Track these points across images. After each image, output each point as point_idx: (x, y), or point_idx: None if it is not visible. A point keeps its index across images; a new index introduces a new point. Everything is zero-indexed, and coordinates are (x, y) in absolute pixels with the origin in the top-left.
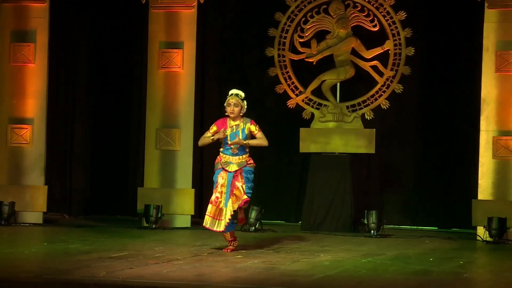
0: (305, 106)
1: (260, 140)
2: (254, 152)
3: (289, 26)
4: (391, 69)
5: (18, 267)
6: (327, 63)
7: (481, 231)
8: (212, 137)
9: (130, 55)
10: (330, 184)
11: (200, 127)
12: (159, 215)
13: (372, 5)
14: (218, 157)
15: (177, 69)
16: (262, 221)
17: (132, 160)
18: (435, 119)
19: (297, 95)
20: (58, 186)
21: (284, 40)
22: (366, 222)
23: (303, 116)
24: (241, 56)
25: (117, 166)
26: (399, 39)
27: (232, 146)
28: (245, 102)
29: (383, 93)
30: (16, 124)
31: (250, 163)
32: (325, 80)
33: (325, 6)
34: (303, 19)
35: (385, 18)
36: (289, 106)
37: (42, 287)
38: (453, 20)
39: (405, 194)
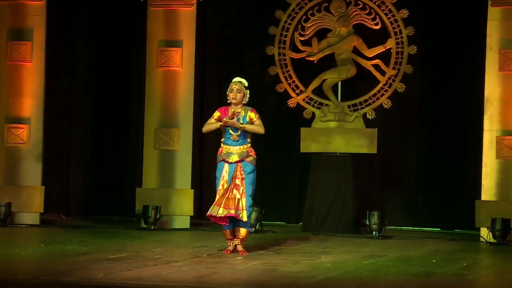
0: (306, 106)
1: (257, 126)
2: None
3: (290, 24)
4: (393, 68)
5: (15, 269)
6: (328, 62)
7: (484, 232)
8: (219, 122)
9: (129, 53)
10: (331, 184)
11: (199, 127)
12: (158, 216)
13: (374, 3)
14: (219, 148)
15: (176, 68)
16: (262, 222)
17: (131, 160)
18: (438, 118)
19: (297, 94)
20: (56, 186)
21: (285, 39)
22: (367, 223)
23: (304, 116)
24: (241, 55)
25: (116, 166)
26: (401, 37)
27: (232, 133)
28: (248, 91)
29: (385, 92)
30: (12, 124)
31: (251, 155)
32: (326, 79)
33: (326, 4)
34: (304, 17)
35: (387, 16)
36: (290, 105)
37: None
38: (456, 18)
39: (408, 194)
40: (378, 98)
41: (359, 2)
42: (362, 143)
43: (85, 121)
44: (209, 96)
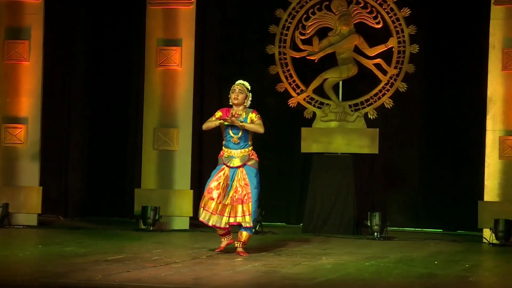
0: (307, 105)
1: (257, 125)
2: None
3: (290, 23)
4: (395, 67)
5: (12, 270)
6: (329, 61)
7: (487, 234)
8: (220, 121)
9: (127, 52)
10: (332, 185)
11: (199, 127)
12: (157, 217)
13: (376, 1)
14: (221, 151)
15: (175, 67)
16: (263, 223)
17: (129, 160)
18: (440, 118)
19: (298, 94)
20: (53, 187)
21: (285, 38)
22: (369, 224)
23: (304, 115)
24: (241, 54)
25: (114, 166)
26: (403, 36)
27: (233, 135)
28: (250, 94)
29: (386, 92)
30: (10, 124)
31: (253, 158)
32: (327, 79)
33: (327, 3)
34: (304, 15)
35: (389, 15)
36: (290, 105)
37: None
38: (458, 17)
39: (409, 195)
40: (379, 98)
41: (360, 0)
42: (363, 143)
43: (83, 121)
44: (209, 95)
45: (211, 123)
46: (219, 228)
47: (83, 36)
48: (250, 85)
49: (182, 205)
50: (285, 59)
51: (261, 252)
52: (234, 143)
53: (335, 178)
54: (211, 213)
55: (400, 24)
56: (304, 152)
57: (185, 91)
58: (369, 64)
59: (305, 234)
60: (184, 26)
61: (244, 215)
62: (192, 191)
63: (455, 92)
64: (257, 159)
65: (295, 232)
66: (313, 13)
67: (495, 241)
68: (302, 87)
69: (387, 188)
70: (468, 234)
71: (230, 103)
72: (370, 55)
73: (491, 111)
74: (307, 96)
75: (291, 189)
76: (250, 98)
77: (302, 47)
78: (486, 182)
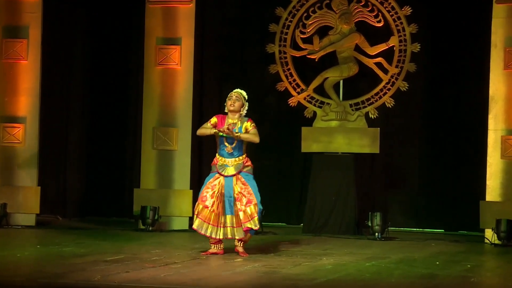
0: (307, 104)
1: (251, 135)
2: (254, 150)
3: (291, 21)
4: (396, 66)
5: (11, 271)
6: (330, 60)
7: (489, 234)
8: (214, 130)
9: (126, 51)
10: (333, 185)
11: (198, 126)
12: (156, 217)
13: (376, 0)
14: (214, 159)
15: (174, 66)
16: (263, 223)
17: (129, 160)
18: (442, 117)
19: (298, 93)
20: (52, 187)
21: (286, 36)
22: (370, 224)
23: (305, 115)
24: (241, 53)
25: (113, 166)
26: (404, 35)
27: (227, 145)
28: (247, 103)
29: (387, 91)
30: (8, 123)
31: (248, 165)
32: (327, 78)
33: (328, 1)
34: (305, 14)
35: (390, 14)
36: (291, 104)
37: None
38: (460, 16)
39: (410, 195)
40: (380, 97)
41: None
42: (364, 142)
43: (82, 120)
44: (208, 95)
45: (206, 130)
46: (214, 239)
47: (82, 35)
48: (250, 84)
49: (181, 205)
50: (286, 58)
51: (261, 253)
52: (228, 152)
53: (336, 178)
54: (206, 221)
55: (401, 23)
56: (305, 152)
57: (185, 90)
58: (370, 63)
59: (305, 235)
60: (184, 24)
61: (253, 217)
62: (191, 191)
63: (456, 91)
64: (252, 166)
65: (296, 233)
66: (314, 12)
67: (497, 242)
68: (303, 86)
69: (388, 188)
70: (470, 234)
71: (226, 110)
72: (371, 54)
73: (493, 110)
74: (308, 95)
75: (291, 189)
76: (246, 107)
77: (302, 46)
78: (488, 182)
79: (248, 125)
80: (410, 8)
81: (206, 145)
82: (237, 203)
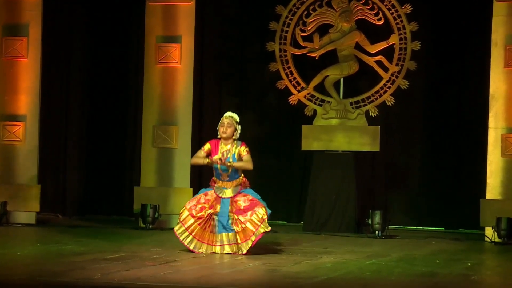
0: (307, 103)
1: (245, 163)
2: (254, 149)
3: (291, 19)
4: (396, 64)
5: (10, 269)
6: (330, 58)
7: (489, 232)
8: (207, 160)
9: (126, 49)
10: (333, 183)
11: (198, 124)
12: (156, 215)
13: None
14: (212, 180)
15: (174, 64)
16: None
17: (128, 158)
18: (442, 115)
19: (299, 91)
20: (52, 185)
21: (286, 34)
22: (370, 222)
23: (305, 113)
24: (241, 51)
25: (113, 164)
26: (405, 33)
27: (222, 173)
28: (239, 126)
29: (388, 89)
30: (8, 121)
31: (245, 184)
32: (328, 76)
33: None
34: (305, 12)
35: (390, 12)
36: (291, 102)
37: None
38: (460, 14)
39: (411, 193)
40: (381, 95)
41: None
42: (364, 141)
43: (82, 119)
44: (209, 93)
45: (199, 159)
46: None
47: (82, 33)
48: (250, 82)
49: (181, 203)
50: (286, 56)
51: (261, 251)
52: (224, 179)
53: (336, 176)
54: (190, 233)
55: (401, 21)
56: (305, 150)
57: (185, 89)
58: (370, 61)
59: (305, 233)
60: (184, 23)
61: (264, 219)
62: (191, 189)
63: (457, 89)
64: (249, 185)
65: (296, 231)
66: (314, 10)
67: (497, 240)
68: (303, 84)
69: (389, 186)
70: (470, 232)
71: (219, 136)
72: (371, 52)
73: (493, 109)
74: (308, 94)
75: (291, 187)
76: (239, 131)
77: (302, 44)
78: (488, 180)
79: (242, 150)
80: (410, 6)
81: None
82: (239, 217)
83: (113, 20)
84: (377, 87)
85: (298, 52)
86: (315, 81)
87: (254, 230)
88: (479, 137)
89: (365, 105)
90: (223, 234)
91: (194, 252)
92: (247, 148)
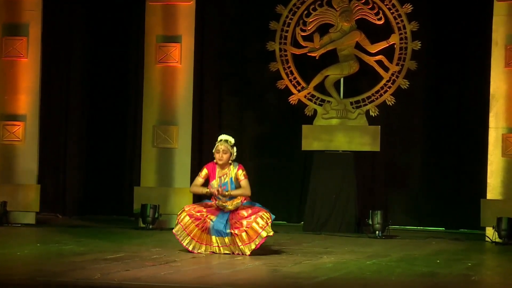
0: (308, 102)
1: (243, 190)
2: (253, 148)
3: (291, 19)
4: (397, 64)
5: (10, 269)
6: (331, 58)
7: (490, 232)
8: (206, 190)
9: (126, 49)
10: (334, 183)
11: (198, 124)
12: (156, 215)
13: None
14: (212, 198)
15: (175, 63)
16: None
17: (128, 158)
18: (442, 115)
19: (299, 91)
20: (52, 185)
21: (286, 34)
22: (370, 222)
23: (305, 113)
24: (241, 50)
25: (113, 164)
26: (405, 32)
27: (220, 197)
28: (234, 148)
29: (388, 89)
30: (8, 121)
31: (246, 200)
32: (328, 75)
33: None
34: (305, 12)
35: (391, 11)
36: (291, 102)
37: None
38: (461, 13)
39: (411, 193)
40: (381, 95)
41: None
42: (365, 140)
43: (82, 119)
44: (209, 92)
45: (199, 189)
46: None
47: (82, 33)
48: (250, 81)
49: (181, 203)
50: (286, 55)
51: (261, 251)
52: (224, 201)
53: (336, 176)
54: (188, 234)
55: (402, 21)
56: (305, 150)
57: (185, 88)
58: (370, 61)
59: (306, 233)
60: (184, 22)
61: (268, 224)
62: None
63: (457, 89)
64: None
65: (296, 231)
66: (314, 9)
67: (497, 240)
68: (303, 84)
69: (389, 186)
70: (471, 232)
71: (215, 161)
72: (372, 51)
73: (494, 109)
74: (308, 93)
75: (291, 187)
76: (235, 153)
77: (303, 43)
78: (489, 180)
79: (239, 174)
80: (410, 6)
81: (206, 142)
82: (242, 221)
83: (113, 20)
84: (378, 87)
85: (298, 51)
86: (315, 80)
87: (259, 232)
88: (480, 137)
89: (366, 105)
90: (218, 237)
91: (193, 253)
92: (244, 172)
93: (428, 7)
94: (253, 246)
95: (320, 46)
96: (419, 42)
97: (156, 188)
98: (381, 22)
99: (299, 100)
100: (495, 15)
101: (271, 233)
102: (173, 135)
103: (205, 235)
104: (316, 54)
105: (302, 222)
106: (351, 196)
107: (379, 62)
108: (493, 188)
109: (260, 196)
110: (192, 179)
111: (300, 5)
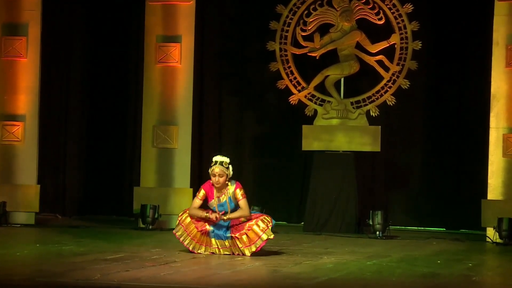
0: (308, 103)
1: (242, 211)
2: (253, 148)
3: (291, 19)
4: (397, 64)
5: (10, 270)
6: (331, 58)
7: (490, 232)
8: (205, 215)
9: (126, 49)
10: (334, 183)
11: (198, 124)
12: (156, 215)
13: None
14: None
15: (174, 63)
16: None
17: (128, 158)
18: (443, 115)
19: (299, 91)
20: (51, 185)
21: (286, 34)
22: (371, 223)
23: (305, 113)
24: (241, 50)
25: (113, 164)
26: (406, 32)
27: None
28: (230, 169)
29: (388, 89)
30: (7, 121)
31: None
32: (328, 75)
33: None
34: (305, 11)
35: (391, 11)
36: (291, 102)
37: None
38: (461, 13)
39: (412, 193)
40: (381, 95)
41: None
42: (365, 141)
43: (82, 119)
44: (208, 92)
45: (198, 212)
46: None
47: (82, 33)
48: (250, 81)
49: (181, 203)
50: (286, 55)
51: (261, 252)
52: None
53: (337, 176)
54: (188, 235)
55: (402, 20)
56: (305, 150)
57: (185, 88)
58: (371, 60)
59: (306, 233)
60: (184, 22)
61: (268, 227)
62: (192, 189)
63: (458, 89)
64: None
65: (296, 231)
66: (315, 9)
67: (498, 240)
68: (303, 84)
69: (389, 186)
70: (471, 233)
71: (211, 182)
72: (372, 51)
73: (495, 109)
74: (308, 93)
75: (291, 188)
76: (231, 172)
77: (303, 43)
78: (489, 181)
79: (237, 193)
80: (411, 6)
81: (206, 143)
82: (243, 225)
83: (113, 20)
84: (378, 87)
85: (298, 51)
86: (316, 80)
87: (260, 234)
88: (480, 137)
89: (366, 105)
90: (217, 240)
91: (193, 253)
92: (242, 191)
93: (429, 7)
94: (253, 249)
95: (321, 46)
96: (420, 42)
97: (156, 188)
98: (381, 22)
99: (299, 100)
100: (496, 15)
101: (272, 236)
102: (173, 135)
103: (205, 237)
104: (316, 54)
105: (302, 223)
106: (351, 196)
107: (379, 62)
108: (494, 189)
109: (260, 196)
110: (192, 178)
111: (300, 5)
